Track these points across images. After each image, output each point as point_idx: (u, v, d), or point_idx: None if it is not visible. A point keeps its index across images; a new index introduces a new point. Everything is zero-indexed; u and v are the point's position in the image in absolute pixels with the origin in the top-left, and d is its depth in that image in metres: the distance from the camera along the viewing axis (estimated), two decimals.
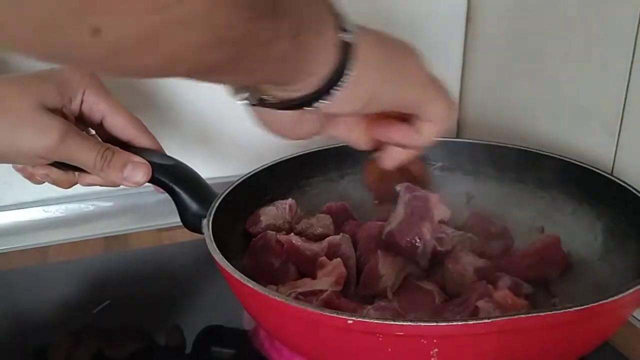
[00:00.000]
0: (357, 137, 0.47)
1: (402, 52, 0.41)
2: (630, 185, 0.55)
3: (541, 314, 0.38)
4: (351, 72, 0.37)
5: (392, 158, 0.48)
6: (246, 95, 0.39)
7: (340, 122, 0.46)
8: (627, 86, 0.59)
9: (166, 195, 0.56)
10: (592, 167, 0.59)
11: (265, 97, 0.39)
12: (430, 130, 0.44)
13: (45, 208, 0.75)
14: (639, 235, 0.53)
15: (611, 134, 0.61)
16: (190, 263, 0.69)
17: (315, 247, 0.56)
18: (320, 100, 0.38)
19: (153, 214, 0.76)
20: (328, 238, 0.57)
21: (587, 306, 0.39)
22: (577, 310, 0.38)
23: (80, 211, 0.76)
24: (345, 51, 0.37)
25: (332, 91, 0.37)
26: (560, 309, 0.38)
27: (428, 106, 0.43)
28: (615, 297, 0.40)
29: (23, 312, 0.62)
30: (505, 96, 0.78)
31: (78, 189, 0.57)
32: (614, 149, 0.61)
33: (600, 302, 0.39)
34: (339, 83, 0.37)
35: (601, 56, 0.62)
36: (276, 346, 0.53)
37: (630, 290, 0.41)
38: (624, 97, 0.59)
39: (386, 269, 0.53)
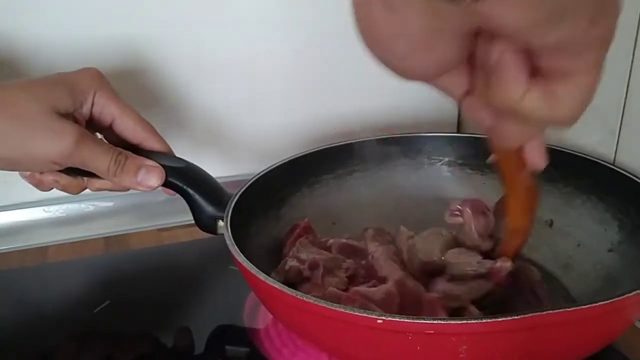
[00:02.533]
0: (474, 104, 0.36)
1: None
2: (638, 177, 0.56)
3: (571, 308, 0.39)
4: None
5: (515, 134, 0.36)
6: None
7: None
8: (627, 85, 0.59)
9: (167, 195, 0.56)
10: (600, 159, 0.60)
11: None
12: (588, 85, 0.32)
13: (45, 208, 0.74)
14: None
15: (611, 133, 0.62)
16: (191, 263, 0.68)
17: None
18: None
19: (153, 214, 0.75)
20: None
21: (616, 299, 0.39)
22: (607, 303, 0.39)
23: (81, 211, 0.75)
24: None
25: None
26: (592, 303, 0.39)
27: (590, 48, 0.30)
28: None
29: (23, 312, 0.61)
30: None
31: None
32: (614, 148, 0.62)
33: (627, 295, 0.40)
34: None
35: None
36: (278, 345, 0.53)
37: None
38: (624, 96, 0.60)
39: None
